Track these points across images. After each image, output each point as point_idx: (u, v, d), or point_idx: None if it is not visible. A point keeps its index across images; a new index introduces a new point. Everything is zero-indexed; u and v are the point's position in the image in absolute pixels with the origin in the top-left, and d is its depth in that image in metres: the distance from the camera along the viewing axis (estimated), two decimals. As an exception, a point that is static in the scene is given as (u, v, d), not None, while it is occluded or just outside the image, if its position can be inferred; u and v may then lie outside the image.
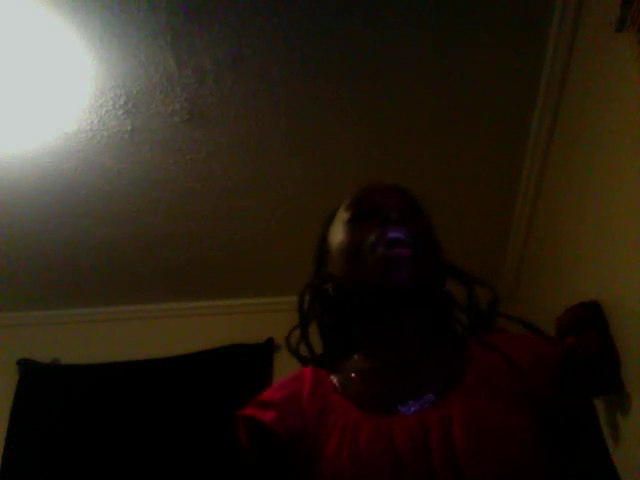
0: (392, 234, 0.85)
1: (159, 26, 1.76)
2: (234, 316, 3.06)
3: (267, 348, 2.86)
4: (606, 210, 1.72)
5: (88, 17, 1.72)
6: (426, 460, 0.70)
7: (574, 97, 1.91)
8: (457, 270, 0.94)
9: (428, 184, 2.13)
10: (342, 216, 0.93)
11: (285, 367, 0.96)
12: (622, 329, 1.59)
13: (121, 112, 2.04)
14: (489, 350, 0.84)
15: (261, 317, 3.00)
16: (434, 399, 0.78)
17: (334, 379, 0.87)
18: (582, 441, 0.78)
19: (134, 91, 1.97)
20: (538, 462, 0.72)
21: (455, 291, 0.93)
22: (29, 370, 2.95)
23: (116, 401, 2.85)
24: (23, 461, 2.75)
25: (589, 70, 1.78)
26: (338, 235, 0.92)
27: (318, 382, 0.86)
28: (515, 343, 0.84)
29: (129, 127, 2.10)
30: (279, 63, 1.90)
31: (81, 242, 2.63)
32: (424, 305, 0.89)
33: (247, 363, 2.80)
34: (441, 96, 2.05)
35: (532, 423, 0.75)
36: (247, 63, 1.89)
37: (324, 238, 0.98)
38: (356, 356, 0.89)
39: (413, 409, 0.77)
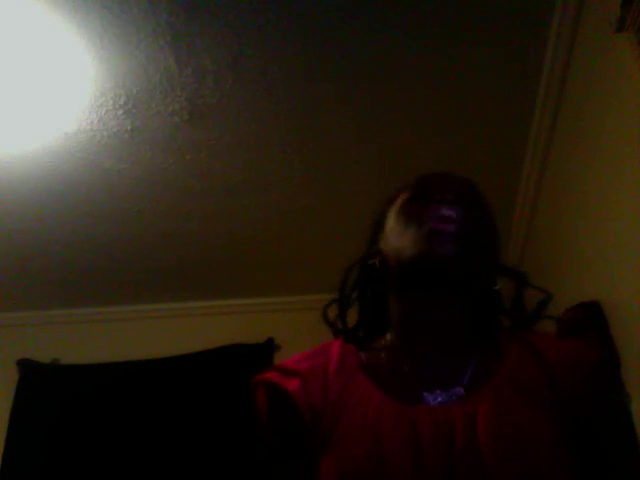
0: (444, 211, 0.84)
1: (159, 26, 1.76)
2: (234, 316, 3.06)
3: (267, 348, 2.87)
4: (606, 210, 1.72)
5: (88, 17, 1.72)
6: (448, 451, 0.70)
7: (574, 97, 1.91)
8: (511, 270, 0.92)
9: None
10: (402, 197, 0.93)
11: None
12: (622, 329, 1.59)
13: (121, 112, 2.04)
14: (525, 350, 0.83)
15: (261, 317, 3.00)
16: (463, 393, 0.77)
17: (362, 356, 0.86)
18: (611, 446, 0.78)
19: (134, 91, 1.97)
20: (560, 464, 0.72)
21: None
22: (29, 370, 2.95)
23: (116, 401, 2.86)
24: (23, 461, 2.75)
25: (589, 70, 1.77)
26: (394, 214, 0.92)
27: (345, 358, 0.85)
28: (552, 346, 0.83)
29: (129, 127, 2.10)
30: (279, 63, 1.90)
31: (81, 242, 2.63)
32: (468, 297, 0.87)
33: (247, 363, 2.80)
34: (441, 96, 2.05)
35: (559, 427, 0.74)
36: (247, 63, 1.89)
37: (382, 216, 0.97)
38: (389, 336, 0.88)
39: (440, 399, 0.77)
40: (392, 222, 0.91)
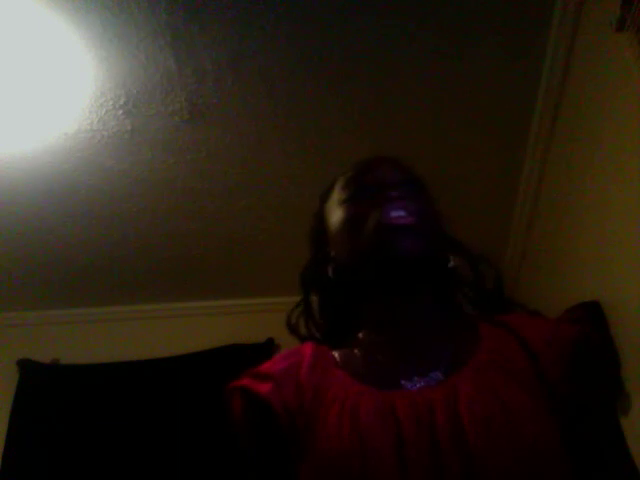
0: (393, 213, 0.82)
1: (159, 26, 1.76)
2: (234, 316, 3.06)
3: (267, 348, 2.86)
4: (606, 210, 1.72)
5: (88, 17, 1.72)
6: (430, 436, 0.68)
7: (574, 97, 1.91)
8: (460, 245, 0.92)
9: (428, 184, 2.14)
10: (339, 195, 0.91)
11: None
12: (622, 329, 1.59)
13: (121, 112, 2.04)
14: (502, 330, 0.82)
15: (261, 317, 2.99)
16: (442, 377, 0.76)
17: (335, 354, 0.85)
18: (595, 424, 0.77)
19: (134, 91, 1.97)
20: (545, 440, 0.69)
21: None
22: (29, 370, 2.94)
23: (116, 401, 2.85)
24: (23, 461, 2.75)
25: (589, 70, 1.78)
26: (337, 215, 0.89)
27: (319, 356, 0.84)
28: (529, 324, 0.82)
29: (129, 127, 2.10)
30: (279, 63, 1.90)
31: (81, 242, 2.63)
32: (429, 281, 0.86)
33: (247, 363, 2.78)
34: (441, 96, 2.05)
35: (540, 403, 0.72)
36: (247, 63, 1.89)
37: (321, 218, 0.95)
38: (361, 334, 0.87)
39: (418, 385, 0.75)
40: (338, 226, 0.88)
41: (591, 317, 1.66)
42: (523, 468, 0.66)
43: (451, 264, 0.89)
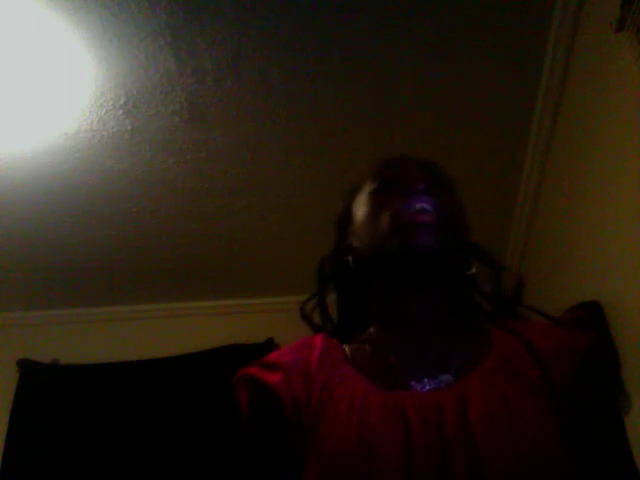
0: (419, 204, 0.82)
1: (159, 26, 1.76)
2: (234, 316, 3.06)
3: (267, 348, 2.86)
4: (606, 210, 1.72)
5: (88, 17, 1.72)
6: (439, 435, 0.68)
7: (574, 97, 1.91)
8: (485, 253, 0.91)
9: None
10: (367, 186, 0.91)
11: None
12: (622, 329, 1.59)
13: (121, 112, 2.04)
14: (511, 336, 0.82)
15: (261, 317, 3.00)
16: (452, 380, 0.75)
17: (346, 348, 0.84)
18: (601, 432, 0.77)
19: (134, 91, 1.97)
20: (545, 440, 0.70)
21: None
22: (29, 370, 2.95)
23: (116, 401, 2.86)
24: (23, 461, 2.75)
25: (589, 70, 1.78)
26: (362, 205, 0.90)
27: (328, 350, 0.83)
28: (539, 332, 0.82)
29: (129, 127, 2.10)
30: (279, 63, 1.90)
31: (81, 242, 2.63)
32: (446, 284, 0.86)
33: (247, 363, 2.79)
34: (441, 96, 2.05)
35: (549, 410, 0.72)
36: (247, 63, 1.89)
37: (347, 210, 0.95)
38: (372, 329, 0.87)
39: (428, 387, 0.75)
40: (362, 216, 0.89)
41: (591, 317, 1.66)
42: (523, 468, 0.67)
43: (472, 270, 0.88)
